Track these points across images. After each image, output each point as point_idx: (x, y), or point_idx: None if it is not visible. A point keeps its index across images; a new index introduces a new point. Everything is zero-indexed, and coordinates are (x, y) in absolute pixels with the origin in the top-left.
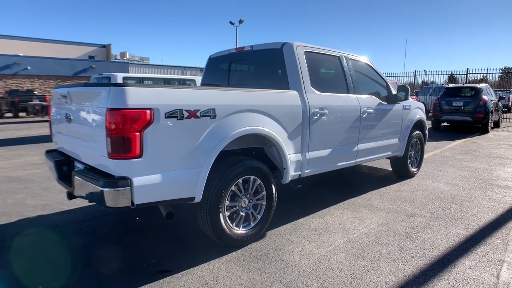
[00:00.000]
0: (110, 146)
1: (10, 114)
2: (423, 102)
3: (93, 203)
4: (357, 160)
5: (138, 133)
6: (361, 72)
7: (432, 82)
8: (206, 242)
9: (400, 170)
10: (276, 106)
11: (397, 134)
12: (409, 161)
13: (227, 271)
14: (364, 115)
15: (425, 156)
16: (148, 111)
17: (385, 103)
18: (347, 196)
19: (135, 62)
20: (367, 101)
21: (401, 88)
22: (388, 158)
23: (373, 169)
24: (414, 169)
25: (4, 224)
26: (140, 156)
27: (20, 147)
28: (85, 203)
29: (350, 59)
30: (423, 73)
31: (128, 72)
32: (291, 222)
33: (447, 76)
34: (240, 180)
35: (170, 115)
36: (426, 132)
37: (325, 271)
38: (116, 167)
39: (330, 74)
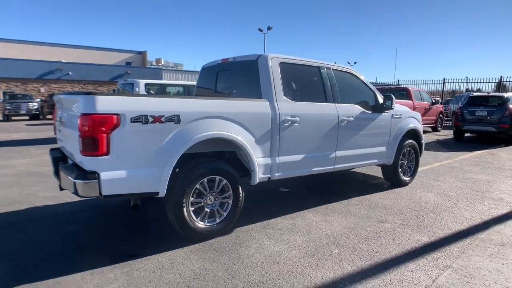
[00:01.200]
0: (82, 145)
1: (51, 116)
2: (453, 111)
3: (92, 197)
4: (336, 166)
5: (105, 135)
6: (344, 82)
7: (468, 90)
8: (177, 234)
9: (391, 179)
10: (243, 113)
11: (384, 143)
12: (400, 169)
13: (184, 259)
14: (343, 123)
15: (430, 166)
16: (115, 116)
17: (370, 112)
18: (328, 201)
19: (169, 68)
20: (347, 109)
21: (386, 97)
22: (377, 165)
23: (367, 176)
24: (407, 178)
25: (16, 210)
26: (107, 154)
27: (50, 146)
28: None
29: (333, 69)
30: (452, 81)
31: (161, 79)
32: (262, 221)
33: (494, 83)
34: (205, 180)
35: (136, 119)
36: (422, 141)
37: (271, 264)
38: (87, 163)
39: (307, 84)
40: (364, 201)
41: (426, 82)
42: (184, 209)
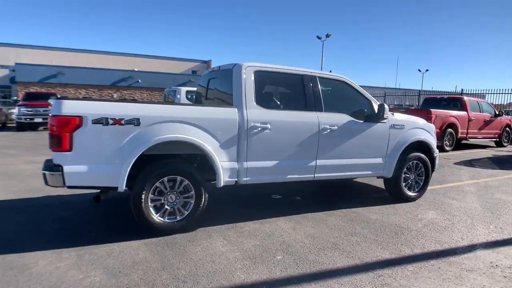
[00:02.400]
0: (50, 142)
1: None
2: None
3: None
4: (317, 175)
5: (68, 134)
6: (333, 90)
7: None
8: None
9: (392, 193)
10: (206, 118)
11: (380, 154)
12: (404, 183)
13: (133, 249)
14: (325, 132)
15: (459, 183)
16: (77, 118)
17: (361, 121)
18: (312, 210)
19: None
20: (331, 118)
21: (379, 106)
22: (377, 178)
23: (373, 188)
24: (412, 193)
25: (34, 197)
26: (70, 150)
27: None
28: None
29: (319, 77)
30: None
31: None
32: (230, 223)
33: None
34: (165, 179)
35: (97, 121)
36: (435, 155)
37: (206, 262)
38: (54, 157)
39: (285, 92)
40: (350, 213)
41: (499, 91)
42: (143, 204)
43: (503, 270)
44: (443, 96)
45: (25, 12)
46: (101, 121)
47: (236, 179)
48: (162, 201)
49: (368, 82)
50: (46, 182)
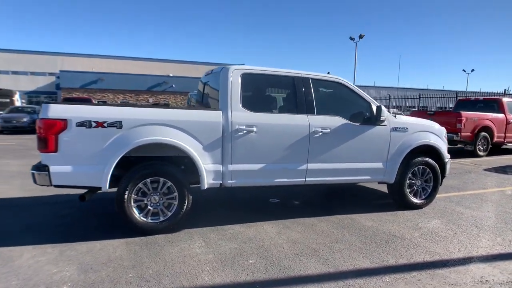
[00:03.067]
0: (38, 143)
1: None
2: None
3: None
4: (308, 179)
5: (54, 136)
6: (328, 92)
7: None
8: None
9: (396, 199)
10: (189, 121)
11: (380, 158)
12: (409, 190)
13: (113, 247)
14: (316, 135)
15: (482, 191)
16: (62, 121)
17: (357, 124)
18: (305, 215)
19: None
20: (323, 121)
21: (377, 108)
22: (380, 183)
23: (380, 194)
24: (418, 201)
25: (45, 195)
26: (55, 151)
27: None
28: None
29: (312, 79)
30: None
31: None
32: (216, 226)
33: None
34: (148, 180)
35: (80, 124)
36: (446, 160)
37: (176, 263)
38: (42, 158)
39: (275, 95)
40: (345, 219)
41: None
42: (125, 204)
43: (491, 287)
44: (478, 97)
45: (70, 23)
46: (85, 124)
47: (221, 182)
48: (146, 202)
49: (404, 83)
50: (35, 181)
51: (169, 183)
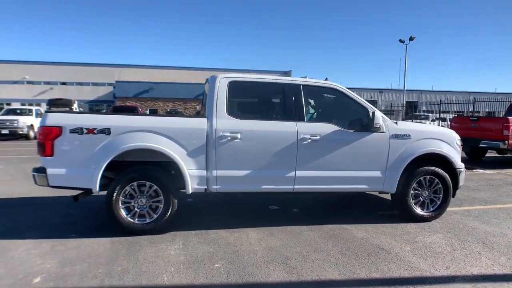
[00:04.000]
0: (37, 148)
1: None
2: None
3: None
4: (297, 187)
5: (50, 141)
6: (322, 99)
7: None
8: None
9: (400, 211)
10: (174, 128)
11: (378, 166)
12: (413, 201)
13: (98, 245)
14: (305, 142)
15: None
16: (57, 128)
17: (351, 130)
18: (298, 223)
19: None
20: (312, 128)
21: (371, 115)
22: (381, 192)
23: (388, 204)
24: (424, 213)
25: (63, 195)
26: (51, 155)
27: None
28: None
29: (304, 85)
30: None
31: None
32: (201, 230)
33: None
34: (135, 183)
35: (73, 131)
36: (458, 170)
37: (145, 263)
38: (41, 161)
39: (261, 102)
40: (336, 229)
41: None
42: (113, 205)
43: None
44: None
45: (133, 34)
46: (77, 130)
47: (206, 187)
48: (133, 204)
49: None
50: (35, 182)
51: (155, 187)
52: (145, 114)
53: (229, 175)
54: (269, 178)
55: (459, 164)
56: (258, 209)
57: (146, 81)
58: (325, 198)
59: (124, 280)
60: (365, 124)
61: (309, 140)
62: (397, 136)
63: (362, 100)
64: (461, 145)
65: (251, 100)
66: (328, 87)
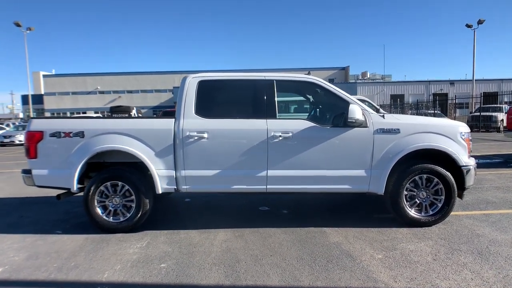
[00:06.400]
0: (25, 151)
1: None
2: None
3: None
4: (270, 187)
5: (34, 145)
6: (298, 94)
7: None
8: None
9: (394, 214)
10: (142, 129)
11: (361, 165)
12: (407, 203)
13: (72, 241)
14: (276, 140)
15: None
16: (39, 133)
17: (326, 126)
18: (277, 225)
19: (377, 80)
20: (284, 125)
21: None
22: (369, 194)
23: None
24: (423, 216)
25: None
26: (35, 158)
27: None
28: None
29: (277, 81)
30: None
31: (356, 93)
32: (174, 230)
33: None
34: (108, 183)
35: (53, 135)
36: (465, 167)
37: (100, 260)
38: (28, 163)
39: (231, 100)
40: (312, 233)
41: None
42: (89, 204)
43: None
44: None
45: (182, 44)
46: (56, 134)
47: (175, 187)
48: (107, 203)
49: None
50: (24, 182)
51: (127, 187)
52: (121, 117)
53: (198, 175)
54: (239, 178)
55: (465, 161)
56: (248, 210)
57: None
58: (326, 199)
59: (68, 275)
60: (342, 119)
61: (280, 138)
62: (383, 131)
63: (345, 95)
64: (470, 139)
65: (222, 98)
66: (306, 81)
